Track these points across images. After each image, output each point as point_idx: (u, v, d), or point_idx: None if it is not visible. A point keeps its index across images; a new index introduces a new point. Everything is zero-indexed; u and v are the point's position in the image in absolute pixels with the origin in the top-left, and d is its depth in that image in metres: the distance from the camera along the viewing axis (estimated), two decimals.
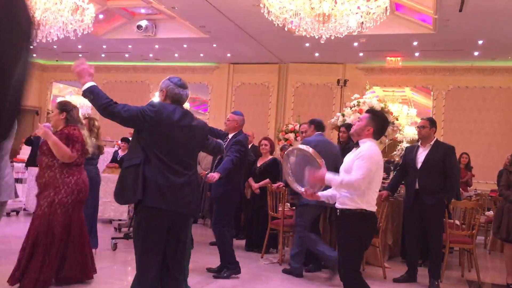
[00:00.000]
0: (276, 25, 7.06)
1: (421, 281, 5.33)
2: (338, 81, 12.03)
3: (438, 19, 8.59)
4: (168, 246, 3.11)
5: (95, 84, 3.08)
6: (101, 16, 10.17)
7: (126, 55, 12.84)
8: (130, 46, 11.90)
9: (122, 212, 7.44)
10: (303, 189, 3.41)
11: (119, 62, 13.73)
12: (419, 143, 5.44)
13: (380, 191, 6.33)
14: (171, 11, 9.51)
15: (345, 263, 3.34)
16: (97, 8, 9.20)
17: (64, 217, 4.11)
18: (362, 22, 6.86)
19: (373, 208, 3.31)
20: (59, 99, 16.82)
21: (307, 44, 10.39)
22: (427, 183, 5.20)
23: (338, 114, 7.61)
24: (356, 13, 6.60)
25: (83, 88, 3.04)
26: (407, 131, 13.74)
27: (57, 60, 14.16)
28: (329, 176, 3.26)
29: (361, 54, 11.16)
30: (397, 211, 6.55)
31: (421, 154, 5.30)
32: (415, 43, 10.00)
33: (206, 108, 15.19)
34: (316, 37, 7.04)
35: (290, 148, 3.59)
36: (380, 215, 5.46)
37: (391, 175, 7.07)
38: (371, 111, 3.61)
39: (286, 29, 7.30)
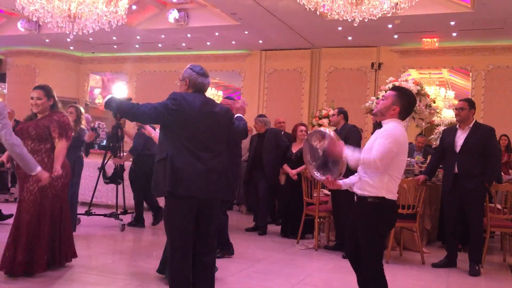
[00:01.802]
0: (307, 9, 6.97)
1: (461, 266, 5.23)
2: (372, 64, 11.81)
3: None
4: (198, 231, 3.17)
5: (112, 94, 3.17)
6: (134, 7, 10.30)
7: (160, 45, 12.97)
8: (163, 36, 12.02)
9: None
10: (324, 177, 3.18)
11: (152, 52, 13.89)
12: (457, 126, 5.30)
13: (416, 175, 6.29)
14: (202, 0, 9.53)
15: (367, 254, 3.08)
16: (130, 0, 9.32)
17: (56, 199, 4.27)
18: (397, 3, 6.69)
19: (394, 196, 3.06)
20: (96, 90, 17.26)
21: (340, 28, 10.23)
22: (467, 166, 5.07)
23: (373, 98, 7.48)
24: None
25: (105, 101, 3.13)
26: (445, 114, 13.42)
27: (93, 52, 14.46)
28: (348, 151, 3.00)
29: (395, 36, 10.90)
30: (435, 196, 6.43)
31: (460, 137, 5.17)
32: (452, 23, 9.68)
33: (239, 96, 15.23)
34: (349, 20, 6.92)
35: (310, 132, 3.41)
36: (417, 199, 5.38)
37: (429, 158, 6.92)
38: (398, 88, 3.28)
39: (318, 13, 7.20)
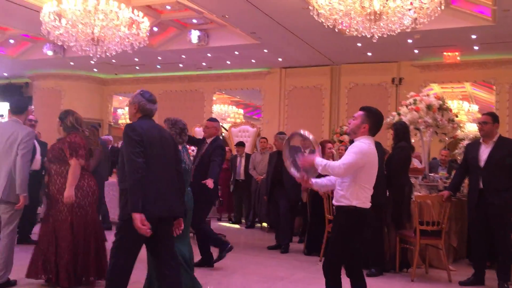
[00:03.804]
0: (326, 26, 7.01)
1: (489, 284, 5.08)
2: (393, 79, 11.75)
3: (498, 10, 8.20)
4: (159, 243, 3.43)
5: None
6: (155, 29, 10.53)
7: (181, 65, 13.18)
8: (183, 56, 12.22)
9: None
10: (298, 174, 3.54)
11: (174, 73, 14.11)
12: (480, 140, 5.21)
13: (441, 190, 6.17)
14: (222, 20, 9.68)
15: (330, 255, 3.54)
16: (152, 21, 9.52)
17: (85, 219, 4.41)
18: (416, 18, 6.67)
19: (364, 205, 3.41)
20: (119, 111, 17.58)
21: (359, 44, 10.23)
22: (492, 182, 4.96)
23: (394, 113, 7.42)
24: (409, 9, 6.42)
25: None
26: (469, 128, 13.20)
27: (116, 74, 14.77)
28: (318, 160, 3.41)
29: (416, 51, 10.85)
30: (460, 212, 6.30)
31: (484, 152, 5.07)
32: (473, 36, 9.59)
33: (259, 113, 15.30)
34: (368, 36, 6.92)
35: (291, 133, 3.72)
36: (442, 215, 5.28)
37: (453, 173, 6.81)
38: (365, 108, 3.58)
39: (336, 30, 7.23)
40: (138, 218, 3.14)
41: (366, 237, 5.57)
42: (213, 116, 14.71)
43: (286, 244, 6.75)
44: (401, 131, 5.82)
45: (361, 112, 3.53)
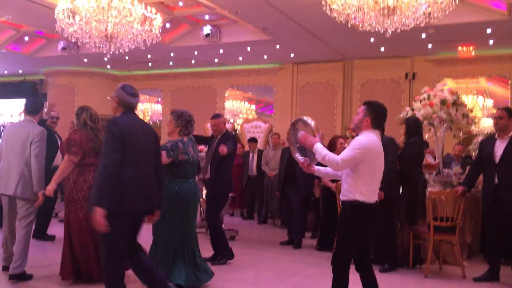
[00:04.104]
0: (339, 22, 6.96)
1: (504, 280, 5.05)
2: (406, 75, 11.64)
3: None
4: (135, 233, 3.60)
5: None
6: (168, 25, 10.55)
7: (193, 61, 13.19)
8: (196, 53, 12.24)
9: None
10: (302, 159, 3.55)
11: (186, 69, 14.14)
12: (496, 135, 5.15)
13: (455, 186, 6.12)
14: (234, 16, 9.67)
15: (336, 251, 3.55)
16: (164, 18, 9.54)
17: (78, 213, 4.44)
18: (430, 13, 6.60)
19: (367, 199, 3.38)
20: None
21: (372, 39, 10.15)
22: (508, 177, 4.91)
23: (408, 108, 7.35)
24: (423, 4, 6.35)
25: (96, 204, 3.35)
26: (484, 124, 13.04)
27: (129, 71, 14.85)
28: (318, 146, 3.38)
29: (430, 46, 10.72)
30: (475, 208, 6.25)
31: (499, 147, 5.02)
32: (488, 31, 9.45)
33: (271, 109, 15.28)
34: (381, 31, 6.86)
35: (296, 119, 3.74)
36: (456, 211, 5.24)
37: (467, 169, 6.74)
38: (366, 102, 3.63)
39: (349, 25, 7.18)
40: (100, 213, 3.22)
41: (378, 232, 5.59)
42: (226, 112, 14.75)
43: (298, 239, 6.76)
44: (413, 126, 5.79)
45: (363, 107, 3.57)
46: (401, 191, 5.79)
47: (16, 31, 11.66)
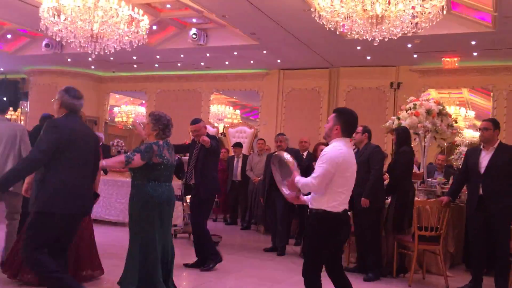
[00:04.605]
0: (327, 29, 6.97)
1: None
2: (392, 84, 11.73)
3: (498, 17, 8.20)
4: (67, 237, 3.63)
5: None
6: (154, 27, 10.46)
7: (179, 64, 13.11)
8: (182, 56, 12.16)
9: (176, 217, 7.55)
10: (288, 192, 3.53)
11: (172, 72, 14.05)
12: (481, 146, 5.19)
13: (439, 196, 6.16)
14: (222, 20, 9.63)
15: (304, 261, 3.46)
16: (151, 20, 9.46)
17: None
18: (417, 23, 6.65)
19: (334, 208, 3.32)
20: (115, 109, 17.48)
21: (359, 47, 10.22)
22: (492, 188, 4.94)
23: (393, 117, 7.39)
24: (411, 14, 6.40)
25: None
26: (466, 134, 13.21)
27: (113, 71, 14.68)
28: (297, 178, 3.39)
29: (415, 56, 10.84)
30: (458, 218, 6.28)
31: (484, 158, 5.05)
32: (473, 42, 9.59)
33: (256, 114, 15.26)
34: (369, 40, 6.89)
35: (275, 153, 3.85)
36: (440, 221, 5.25)
37: (451, 180, 6.79)
38: (336, 109, 3.59)
39: (337, 32, 7.20)
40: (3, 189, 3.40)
41: (362, 240, 5.59)
42: (210, 116, 14.67)
43: (282, 246, 6.71)
44: (403, 135, 5.84)
45: (332, 114, 3.50)
46: (389, 199, 5.81)
47: None
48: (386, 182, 5.99)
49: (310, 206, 3.44)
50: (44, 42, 11.56)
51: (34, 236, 3.41)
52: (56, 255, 3.50)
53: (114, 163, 4.22)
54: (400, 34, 6.82)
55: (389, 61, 11.44)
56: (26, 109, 15.73)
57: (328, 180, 3.29)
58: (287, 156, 3.55)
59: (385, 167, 6.18)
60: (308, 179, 3.32)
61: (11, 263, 4.41)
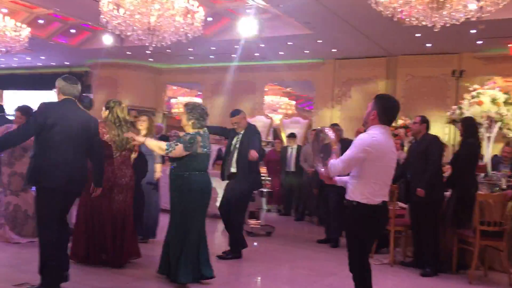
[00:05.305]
0: (385, 16, 6.75)
1: None
2: (453, 72, 11.19)
3: None
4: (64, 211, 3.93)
5: None
6: (209, 19, 10.56)
7: (233, 56, 13.20)
8: (237, 47, 12.21)
9: None
10: (322, 169, 3.42)
11: (226, 63, 14.15)
12: None
13: (504, 189, 5.83)
14: (276, 9, 9.57)
15: (348, 255, 3.37)
16: (206, 11, 9.55)
17: (96, 202, 4.63)
18: (481, 7, 6.29)
19: (369, 200, 3.21)
20: (172, 100, 17.90)
21: (418, 34, 9.83)
22: None
23: (455, 107, 7.07)
24: None
25: None
26: None
27: (170, 64, 15.01)
28: (331, 161, 3.29)
29: (479, 42, 10.29)
30: None
31: None
32: None
33: (311, 105, 15.12)
34: (429, 26, 6.60)
35: (319, 128, 3.69)
36: (505, 216, 4.98)
37: None
38: (377, 95, 3.41)
39: (395, 19, 6.95)
40: None
41: (419, 234, 5.39)
42: (265, 107, 14.69)
43: (336, 238, 6.62)
44: (470, 127, 5.56)
45: (372, 101, 3.35)
46: (450, 192, 5.57)
47: (63, 23, 11.99)
48: (446, 174, 5.75)
49: (346, 197, 3.35)
50: (104, 36, 11.98)
51: (39, 211, 3.79)
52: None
53: (154, 146, 4.28)
54: (463, 19, 6.48)
55: (451, 48, 10.93)
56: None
57: (355, 166, 3.20)
58: (330, 132, 3.45)
59: (445, 159, 5.93)
60: (336, 160, 3.23)
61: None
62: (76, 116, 3.86)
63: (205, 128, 4.34)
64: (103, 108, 4.85)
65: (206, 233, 4.41)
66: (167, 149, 4.08)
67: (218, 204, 5.93)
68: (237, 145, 5.53)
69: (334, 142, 3.35)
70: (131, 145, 4.78)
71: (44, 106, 3.81)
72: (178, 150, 4.06)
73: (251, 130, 5.57)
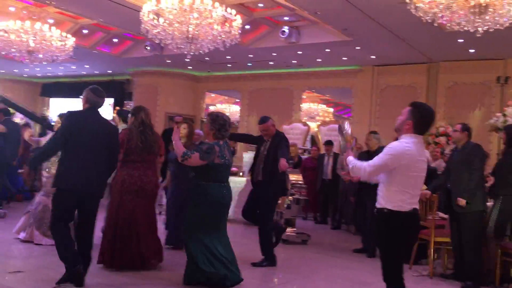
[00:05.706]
0: (425, 21, 6.61)
1: None
2: (498, 78, 10.81)
3: None
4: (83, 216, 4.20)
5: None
6: (247, 27, 10.64)
7: (271, 63, 13.22)
8: (274, 54, 12.25)
9: None
10: (342, 172, 3.45)
11: (264, 70, 14.20)
12: None
13: None
14: (314, 17, 9.54)
15: (382, 265, 3.35)
16: (244, 19, 9.63)
17: (113, 206, 4.93)
18: None
19: (400, 208, 3.17)
20: (211, 107, 18.10)
21: (461, 40, 9.56)
22: None
23: (499, 114, 6.82)
24: None
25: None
26: None
27: (209, 71, 15.20)
28: (350, 159, 3.34)
29: None
30: None
31: None
32: None
33: (349, 113, 14.94)
34: (471, 31, 6.41)
35: (339, 124, 3.69)
36: None
37: None
38: (413, 103, 3.36)
39: (435, 25, 6.79)
40: (26, 170, 4.48)
41: (460, 246, 5.20)
42: (302, 114, 14.62)
43: (372, 248, 6.49)
44: None
45: (408, 108, 3.29)
46: (492, 203, 5.36)
47: (106, 33, 12.37)
48: (488, 185, 5.54)
49: (377, 205, 3.31)
50: (145, 45, 12.28)
51: (53, 209, 4.15)
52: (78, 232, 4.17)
53: (177, 151, 4.30)
54: (508, 24, 6.26)
55: (496, 53, 10.56)
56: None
57: (382, 172, 3.19)
58: (347, 127, 3.45)
59: (489, 168, 5.72)
60: (364, 163, 3.24)
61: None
62: (98, 124, 4.16)
63: (225, 140, 4.36)
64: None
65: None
66: (182, 156, 4.11)
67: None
68: (265, 153, 5.53)
69: (349, 138, 3.38)
70: (156, 150, 4.89)
71: (69, 114, 4.15)
72: (194, 158, 4.08)
73: (279, 137, 5.55)
